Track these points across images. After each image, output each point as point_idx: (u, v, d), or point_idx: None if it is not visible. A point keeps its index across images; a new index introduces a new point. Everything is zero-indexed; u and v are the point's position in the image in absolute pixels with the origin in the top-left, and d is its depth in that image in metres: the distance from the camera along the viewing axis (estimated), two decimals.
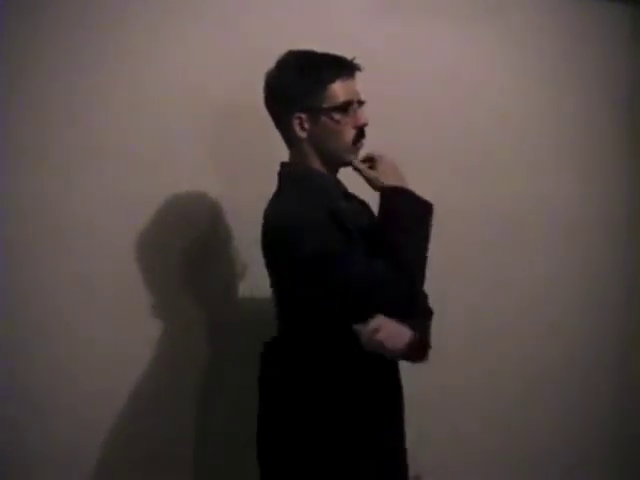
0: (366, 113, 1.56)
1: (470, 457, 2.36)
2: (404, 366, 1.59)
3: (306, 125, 1.53)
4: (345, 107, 1.52)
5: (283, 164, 1.61)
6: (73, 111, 1.74)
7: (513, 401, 2.47)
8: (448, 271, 2.24)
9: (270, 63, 1.55)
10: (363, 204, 1.67)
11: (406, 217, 1.48)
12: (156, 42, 1.82)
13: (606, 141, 2.67)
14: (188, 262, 1.89)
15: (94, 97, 1.76)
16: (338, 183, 1.62)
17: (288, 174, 1.59)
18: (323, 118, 1.52)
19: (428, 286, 1.58)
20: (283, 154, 1.60)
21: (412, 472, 2.00)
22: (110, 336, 1.77)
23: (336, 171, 1.61)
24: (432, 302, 1.66)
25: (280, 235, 1.49)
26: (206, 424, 1.91)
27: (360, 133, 1.55)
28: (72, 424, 1.74)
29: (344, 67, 1.52)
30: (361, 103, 1.56)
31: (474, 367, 2.35)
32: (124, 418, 1.81)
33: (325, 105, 1.51)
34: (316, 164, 1.57)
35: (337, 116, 1.51)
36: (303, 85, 1.51)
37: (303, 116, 1.52)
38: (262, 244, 1.54)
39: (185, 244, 1.88)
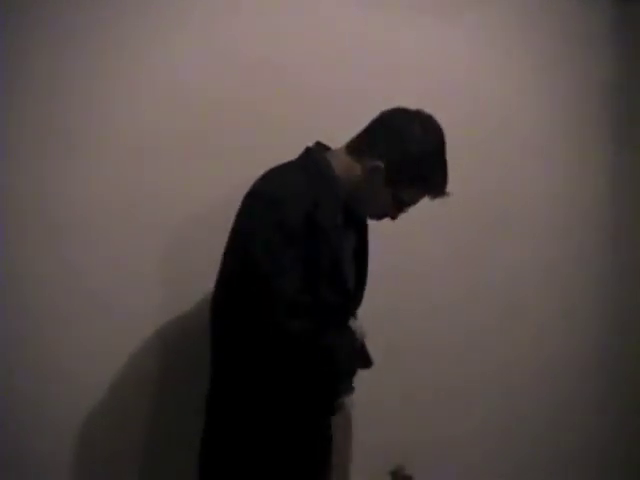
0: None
1: (469, 457, 2.36)
2: (399, 366, 1.59)
3: (374, 173, 1.54)
4: (402, 206, 1.60)
5: (319, 145, 1.60)
6: (71, 110, 1.75)
7: (512, 401, 2.47)
8: (435, 271, 2.24)
9: (261, 63, 1.54)
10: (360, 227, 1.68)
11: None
12: (154, 42, 1.84)
13: (595, 137, 2.64)
14: (177, 263, 1.89)
15: (93, 97, 1.77)
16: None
17: (309, 157, 1.57)
18: (387, 188, 1.56)
19: (413, 286, 1.54)
20: (277, 155, 1.59)
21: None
22: (109, 335, 1.78)
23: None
24: (422, 302, 1.65)
25: (244, 207, 1.51)
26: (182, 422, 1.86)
27: (380, 217, 1.63)
28: (72, 423, 1.76)
29: (438, 191, 1.59)
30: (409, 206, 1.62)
31: (471, 367, 2.34)
32: (118, 416, 1.82)
33: (397, 191, 1.57)
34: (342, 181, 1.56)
35: (390, 198, 1.57)
36: (408, 166, 1.54)
37: (382, 167, 1.54)
38: None
39: (179, 245, 1.88)
